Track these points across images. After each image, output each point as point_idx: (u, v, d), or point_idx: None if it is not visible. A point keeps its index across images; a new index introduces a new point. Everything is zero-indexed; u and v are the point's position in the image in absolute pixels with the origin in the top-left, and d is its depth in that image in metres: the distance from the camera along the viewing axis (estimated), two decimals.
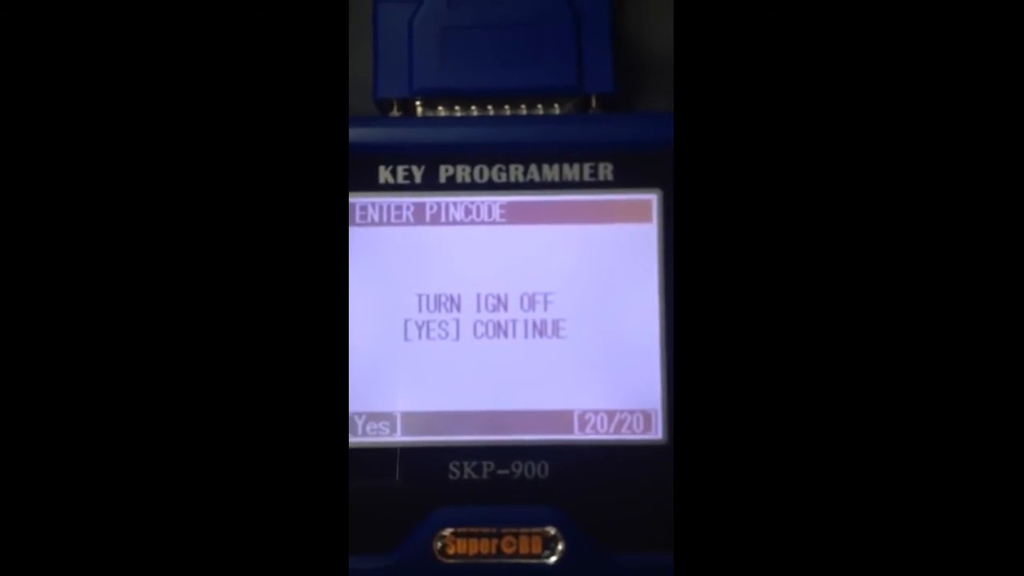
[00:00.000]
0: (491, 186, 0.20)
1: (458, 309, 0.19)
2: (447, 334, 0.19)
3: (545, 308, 0.19)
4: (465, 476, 0.19)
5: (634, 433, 0.19)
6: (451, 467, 0.19)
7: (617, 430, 0.19)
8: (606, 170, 0.20)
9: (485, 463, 0.19)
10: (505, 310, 0.19)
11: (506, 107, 0.20)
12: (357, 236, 0.20)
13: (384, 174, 0.20)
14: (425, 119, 0.20)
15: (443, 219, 0.20)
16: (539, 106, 0.20)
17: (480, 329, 0.19)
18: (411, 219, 0.20)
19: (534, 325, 0.19)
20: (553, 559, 0.18)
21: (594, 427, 0.19)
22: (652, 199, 0.19)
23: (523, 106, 0.20)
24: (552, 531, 0.19)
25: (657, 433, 0.19)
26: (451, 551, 0.19)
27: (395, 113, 0.20)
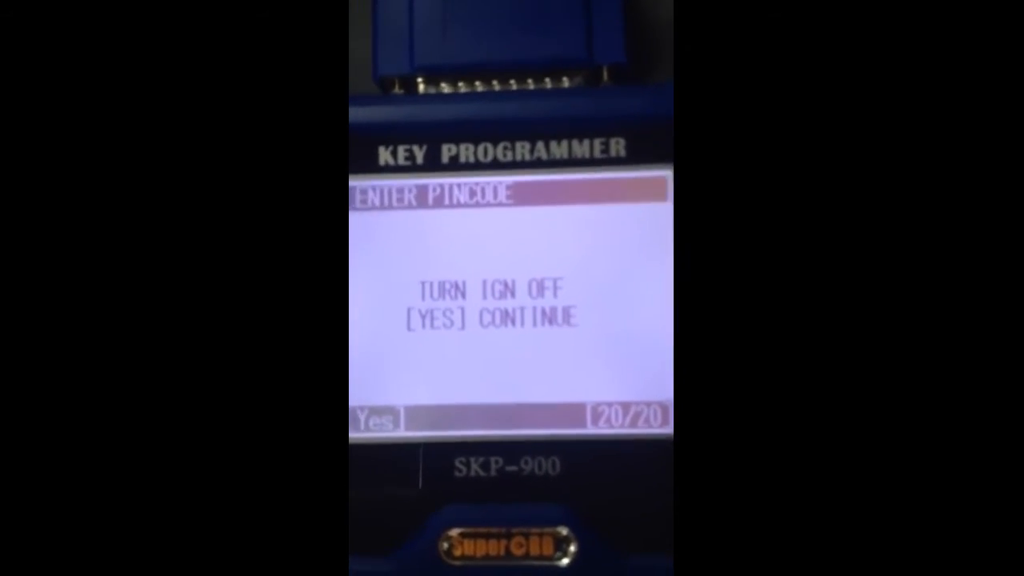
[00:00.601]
0: (496, 165, 0.19)
1: (463, 296, 0.18)
2: (452, 323, 0.18)
3: (555, 294, 0.18)
4: (472, 473, 0.18)
5: (651, 427, 0.18)
6: (457, 463, 0.18)
7: (633, 423, 0.18)
8: (618, 146, 0.18)
9: (493, 459, 0.18)
10: (512, 297, 0.18)
11: (512, 82, 0.19)
12: (356, 221, 0.19)
13: (384, 155, 0.19)
14: (425, 96, 0.19)
15: (446, 202, 0.19)
16: (547, 79, 0.19)
17: (486, 317, 0.18)
18: (413, 202, 0.19)
19: (543, 312, 0.18)
20: (565, 561, 0.17)
21: (608, 420, 0.18)
22: (667, 176, 0.18)
23: (530, 80, 0.19)
24: (564, 531, 0.17)
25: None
26: (458, 552, 0.18)
27: (397, 91, 0.19)
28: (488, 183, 0.19)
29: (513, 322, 0.18)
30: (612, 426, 0.18)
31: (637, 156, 0.18)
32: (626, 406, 0.18)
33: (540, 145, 0.19)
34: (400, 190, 0.19)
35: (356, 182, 0.19)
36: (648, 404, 0.18)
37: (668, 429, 0.18)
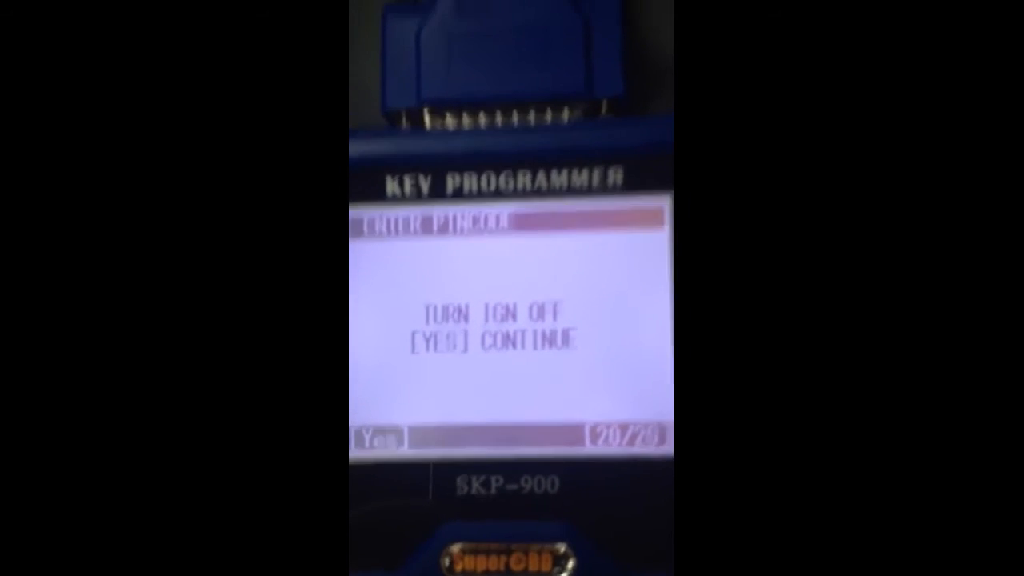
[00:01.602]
0: (498, 194, 0.19)
1: (466, 320, 0.19)
2: (455, 346, 0.19)
3: (555, 317, 0.19)
4: (473, 491, 0.18)
5: (648, 446, 0.18)
6: (459, 481, 0.18)
7: (630, 443, 0.18)
8: (616, 175, 0.19)
9: (494, 478, 0.18)
10: (514, 320, 0.19)
11: (514, 114, 0.20)
12: (364, 249, 0.19)
13: (391, 185, 0.20)
14: (430, 130, 0.20)
15: (450, 229, 0.19)
16: (548, 112, 0.20)
17: (488, 340, 0.19)
18: (418, 230, 0.19)
19: (543, 335, 0.19)
20: None
21: (606, 440, 0.18)
22: (663, 204, 0.19)
23: (531, 113, 0.20)
24: (562, 548, 0.18)
25: (671, 446, 0.18)
26: (459, 567, 0.18)
27: (404, 124, 0.20)
28: (491, 211, 0.19)
29: (514, 345, 0.19)
30: (610, 446, 0.18)
31: (634, 185, 0.19)
32: (624, 426, 0.18)
33: (541, 175, 0.19)
34: (406, 219, 0.19)
35: (364, 211, 0.19)
36: (645, 424, 0.18)
37: (665, 449, 0.18)
